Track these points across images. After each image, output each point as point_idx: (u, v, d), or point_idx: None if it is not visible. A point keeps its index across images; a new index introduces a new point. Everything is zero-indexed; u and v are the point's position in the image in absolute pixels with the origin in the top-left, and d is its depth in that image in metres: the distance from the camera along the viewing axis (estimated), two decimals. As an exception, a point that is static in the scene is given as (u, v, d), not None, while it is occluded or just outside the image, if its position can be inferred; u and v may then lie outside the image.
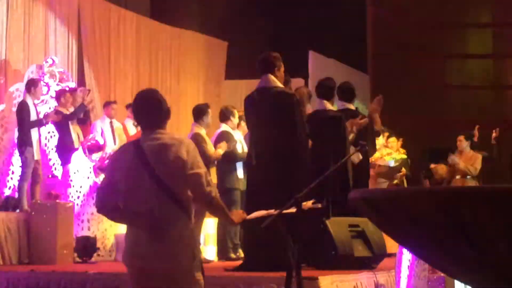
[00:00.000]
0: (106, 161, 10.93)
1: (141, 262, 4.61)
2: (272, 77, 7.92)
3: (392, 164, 12.75)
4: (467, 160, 12.81)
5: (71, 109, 11.81)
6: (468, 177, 12.67)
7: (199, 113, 10.14)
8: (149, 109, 4.72)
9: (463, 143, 12.95)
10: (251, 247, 7.91)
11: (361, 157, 9.12)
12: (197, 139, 9.71)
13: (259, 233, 7.38)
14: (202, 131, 10.04)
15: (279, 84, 7.96)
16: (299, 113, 7.89)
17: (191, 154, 4.62)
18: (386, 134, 13.01)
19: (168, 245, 4.58)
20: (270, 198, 7.42)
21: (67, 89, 12.07)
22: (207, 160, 9.65)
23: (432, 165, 13.26)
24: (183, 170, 4.58)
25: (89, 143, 11.51)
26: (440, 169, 13.07)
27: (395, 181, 12.83)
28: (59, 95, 11.76)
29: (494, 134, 13.53)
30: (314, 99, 9.49)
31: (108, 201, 4.69)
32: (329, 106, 9.10)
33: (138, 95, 4.89)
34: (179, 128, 15.73)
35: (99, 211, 4.87)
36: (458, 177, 12.76)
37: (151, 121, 4.71)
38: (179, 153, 4.59)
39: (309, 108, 9.45)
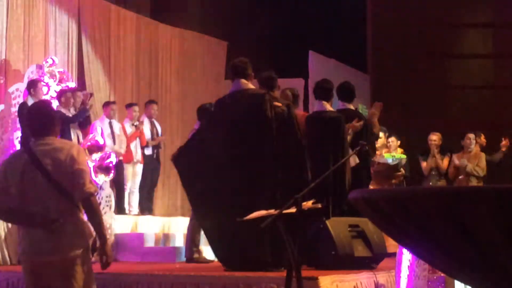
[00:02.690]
0: (107, 161, 10.92)
1: (39, 257, 5.04)
2: (244, 80, 7.93)
3: (391, 161, 12.69)
4: (472, 158, 12.69)
5: (72, 109, 11.81)
6: (472, 176, 12.55)
7: (203, 112, 9.75)
8: (41, 118, 5.20)
9: (472, 141, 12.85)
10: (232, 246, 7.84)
11: (357, 160, 9.11)
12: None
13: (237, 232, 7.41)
14: None
15: (251, 86, 7.98)
16: (272, 111, 7.84)
17: (81, 154, 5.13)
18: (386, 134, 12.97)
19: (64, 238, 5.04)
20: (247, 198, 7.43)
21: (68, 88, 12.08)
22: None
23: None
24: (72, 167, 5.03)
25: (89, 143, 11.51)
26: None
27: (394, 181, 12.79)
28: (59, 95, 11.79)
29: (504, 142, 13.41)
30: (313, 100, 9.50)
31: (1, 205, 5.12)
32: (328, 107, 9.10)
33: (33, 106, 5.48)
34: (179, 127, 15.72)
35: None
36: (461, 176, 12.68)
37: (41, 129, 5.16)
38: (70, 153, 5.05)
39: (299, 109, 9.44)
